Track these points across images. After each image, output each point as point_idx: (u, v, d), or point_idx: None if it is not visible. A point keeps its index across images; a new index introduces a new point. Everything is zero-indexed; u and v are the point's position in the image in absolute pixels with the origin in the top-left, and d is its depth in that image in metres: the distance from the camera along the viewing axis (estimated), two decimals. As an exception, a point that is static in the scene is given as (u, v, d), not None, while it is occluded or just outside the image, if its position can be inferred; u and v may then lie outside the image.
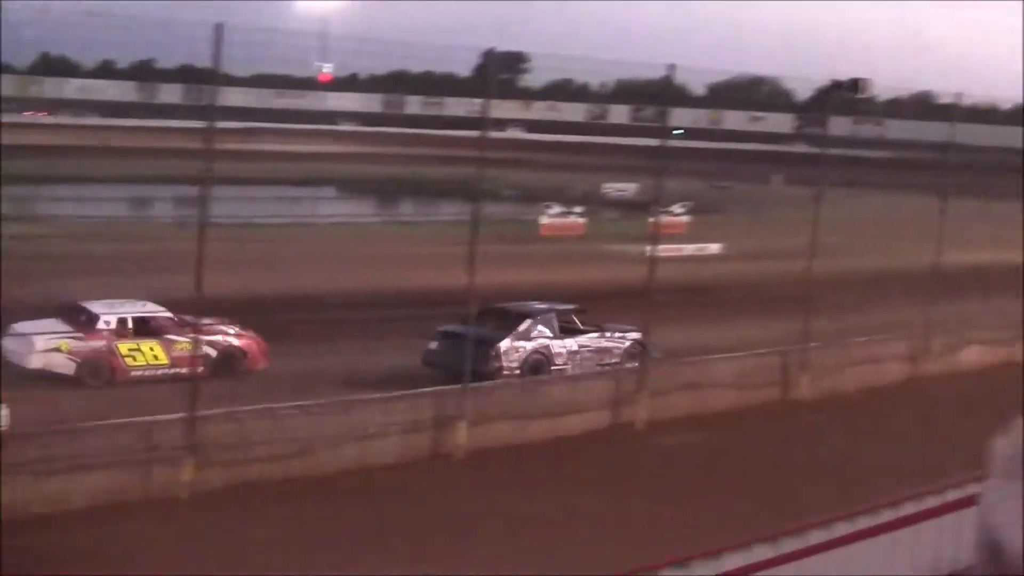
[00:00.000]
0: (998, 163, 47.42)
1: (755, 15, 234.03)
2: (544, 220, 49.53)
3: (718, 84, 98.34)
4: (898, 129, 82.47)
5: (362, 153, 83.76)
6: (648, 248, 24.82)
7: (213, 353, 22.01)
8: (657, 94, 28.58)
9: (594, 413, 22.48)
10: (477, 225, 20.57)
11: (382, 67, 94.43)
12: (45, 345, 21.70)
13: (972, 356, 30.29)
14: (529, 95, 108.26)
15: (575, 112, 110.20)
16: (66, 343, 21.87)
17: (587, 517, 16.92)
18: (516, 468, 19.50)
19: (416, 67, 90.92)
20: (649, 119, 61.37)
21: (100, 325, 22.35)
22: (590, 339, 25.17)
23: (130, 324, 22.61)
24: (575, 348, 24.79)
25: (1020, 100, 60.29)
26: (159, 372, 22.42)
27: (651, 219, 26.59)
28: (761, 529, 9.85)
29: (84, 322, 22.41)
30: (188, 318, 20.48)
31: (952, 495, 10.63)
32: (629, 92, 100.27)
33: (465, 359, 20.60)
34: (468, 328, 21.64)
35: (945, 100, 33.75)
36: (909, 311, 30.13)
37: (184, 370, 19.99)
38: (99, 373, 22.08)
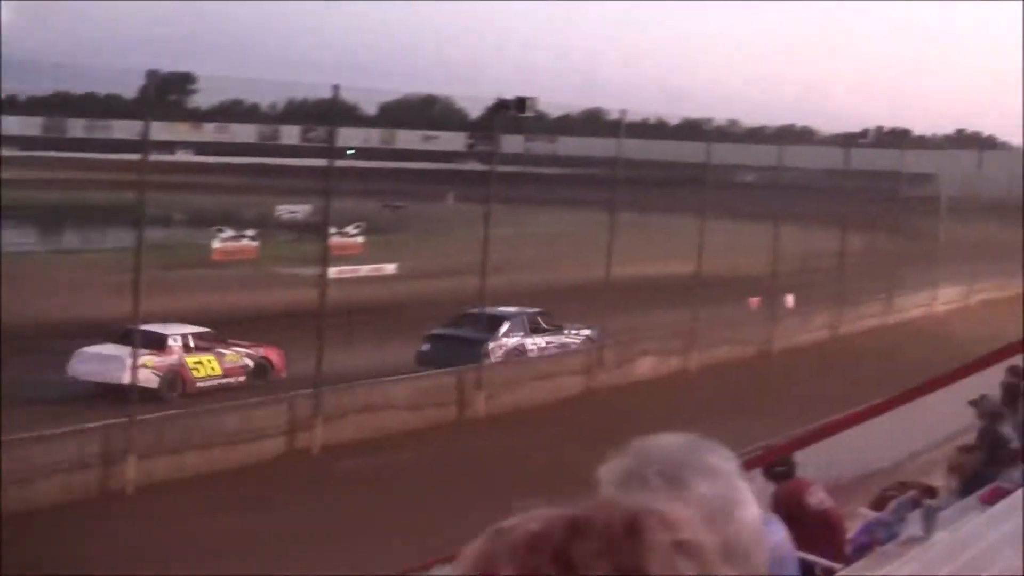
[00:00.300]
0: (665, 177, 49.07)
1: (444, 34, 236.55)
2: (216, 244, 48.40)
3: (389, 103, 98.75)
4: (571, 146, 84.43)
5: (22, 179, 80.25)
6: (322, 270, 24.62)
7: (251, 364, 26.04)
8: (326, 114, 28.48)
9: (271, 440, 22.13)
10: (140, 251, 19.96)
11: (43, 89, 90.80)
12: (137, 362, 22.93)
13: (646, 366, 31.20)
14: (197, 116, 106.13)
15: (246, 133, 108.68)
16: (150, 360, 23.94)
17: (263, 543, 16.60)
18: (190, 498, 18.96)
19: (79, 88, 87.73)
20: (320, 139, 60.97)
21: (170, 343, 24.99)
22: (553, 336, 30.27)
23: (191, 342, 25.30)
24: (543, 344, 29.83)
25: (687, 115, 62.92)
26: (216, 382, 25.38)
27: (325, 240, 26.33)
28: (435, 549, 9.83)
29: (155, 341, 24.45)
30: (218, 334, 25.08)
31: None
32: (298, 113, 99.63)
33: (456, 356, 25.91)
34: (458, 330, 27.93)
35: (613, 116, 34.55)
36: (584, 324, 30.83)
37: (233, 379, 25.17)
38: (175, 386, 24.66)
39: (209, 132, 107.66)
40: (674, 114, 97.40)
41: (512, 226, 37.98)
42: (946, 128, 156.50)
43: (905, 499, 12.17)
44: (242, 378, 25.26)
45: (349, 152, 48.82)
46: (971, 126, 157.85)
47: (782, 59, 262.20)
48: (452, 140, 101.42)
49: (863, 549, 10.94)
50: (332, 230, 27.46)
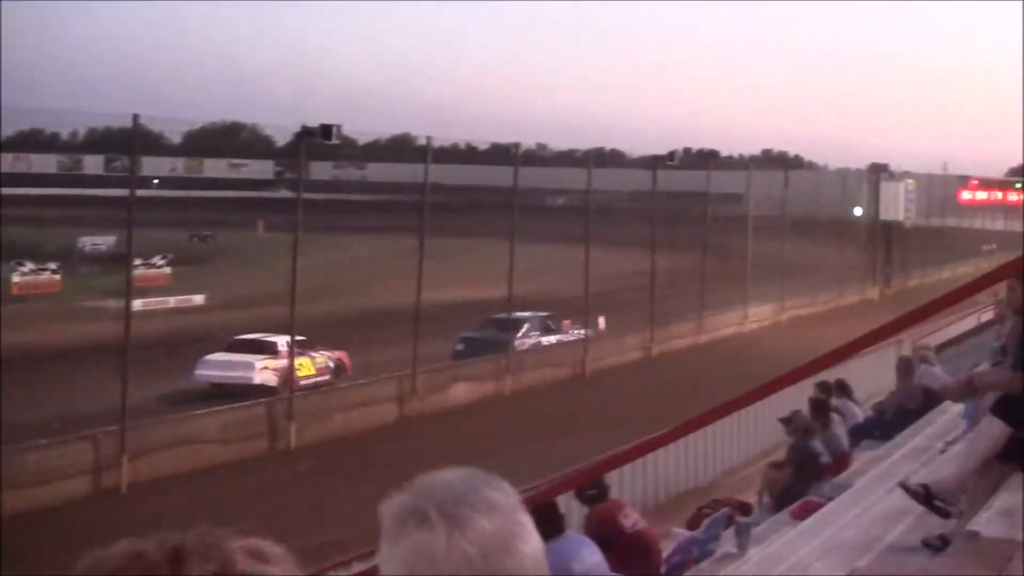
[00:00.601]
0: (475, 201, 49.24)
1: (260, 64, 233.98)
2: (15, 278, 47.04)
3: (194, 131, 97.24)
4: (380, 172, 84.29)
5: None
6: (126, 302, 24.05)
7: (332, 365, 31.14)
8: (128, 143, 27.82)
9: (74, 480, 21.47)
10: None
11: None
12: (261, 365, 29.39)
13: (460, 393, 31.19)
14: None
15: (46, 163, 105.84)
16: (271, 363, 29.52)
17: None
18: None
19: None
20: (122, 169, 59.69)
21: (280, 348, 29.75)
22: (559, 335, 37.07)
23: (295, 347, 29.21)
24: (554, 341, 36.65)
25: (495, 141, 63.21)
26: (311, 380, 30.03)
27: (129, 272, 25.69)
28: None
29: (269, 348, 30.04)
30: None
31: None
32: (100, 142, 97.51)
33: (489, 350, 33.29)
34: (486, 332, 34.61)
35: (422, 142, 34.56)
36: (396, 351, 30.73)
37: (322, 378, 30.45)
38: (287, 384, 28.17)
39: (7, 163, 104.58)
40: (483, 139, 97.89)
41: (322, 254, 37.68)
42: (753, 149, 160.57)
43: (719, 516, 12.31)
44: (327, 376, 30.67)
45: (154, 181, 47.95)
46: (777, 146, 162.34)
47: (592, 84, 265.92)
48: (260, 168, 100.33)
49: (678, 568, 11.00)
50: (138, 261, 26.89)
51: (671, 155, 43.45)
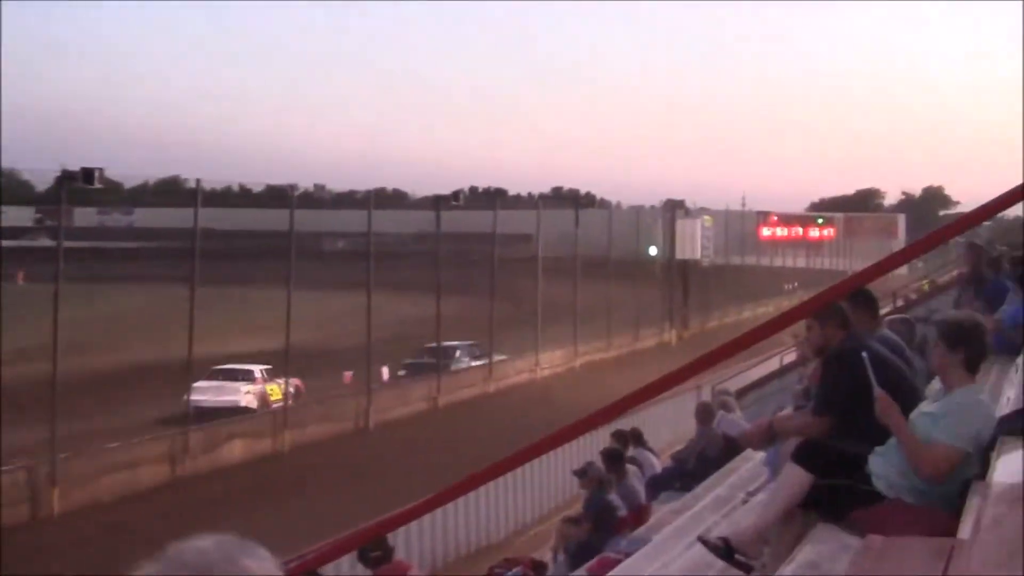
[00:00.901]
0: (249, 247, 48.55)
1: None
2: None
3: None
4: (149, 217, 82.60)
5: None
6: None
7: (292, 390, 35.86)
8: None
9: None
10: None
11: None
12: (245, 389, 35.40)
13: (236, 450, 30.72)
14: None
15: None
16: (251, 387, 35.61)
17: None
18: None
19: None
20: None
21: (256, 375, 36.12)
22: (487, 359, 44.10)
23: (264, 375, 36.14)
24: (481, 363, 43.64)
25: (271, 183, 62.55)
26: (279, 403, 34.97)
27: None
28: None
29: (246, 375, 36.02)
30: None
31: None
32: None
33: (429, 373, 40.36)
34: (425, 359, 41.26)
35: (191, 185, 33.95)
36: (167, 406, 30.12)
37: (286, 402, 34.91)
38: (264, 405, 35.37)
39: None
40: (258, 181, 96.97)
41: (85, 305, 36.58)
42: (543, 187, 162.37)
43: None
44: (290, 401, 35.28)
45: None
46: (568, 183, 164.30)
47: (373, 123, 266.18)
48: (18, 215, 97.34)
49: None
50: None
51: (456, 195, 43.73)
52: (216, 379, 34.96)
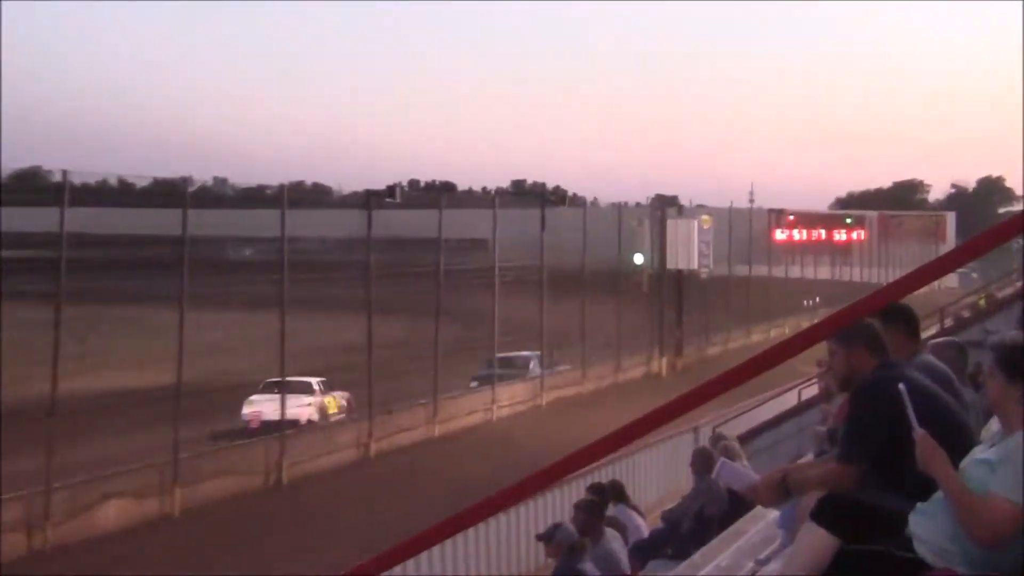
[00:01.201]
0: (131, 257, 48.26)
1: None
2: None
3: None
4: (5, 218, 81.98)
5: None
6: None
7: (345, 403, 42.98)
8: None
9: None
10: None
11: None
12: (306, 402, 40.51)
13: (111, 514, 30.32)
14: None
15: None
16: (312, 399, 40.97)
17: None
18: None
19: None
20: None
21: (315, 387, 41.58)
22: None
23: (321, 387, 41.92)
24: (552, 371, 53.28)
25: (159, 176, 61.86)
26: (337, 415, 42.27)
27: None
28: None
29: (305, 388, 41.04)
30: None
31: None
32: None
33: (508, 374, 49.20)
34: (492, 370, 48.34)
35: (56, 179, 33.39)
36: (26, 462, 29.67)
37: (343, 414, 42.47)
38: (324, 417, 41.43)
39: None
40: (143, 174, 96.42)
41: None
42: (501, 180, 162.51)
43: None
44: (344, 413, 42.52)
45: None
46: (532, 176, 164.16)
47: (286, 109, 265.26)
48: None
49: None
50: None
51: (391, 190, 43.45)
52: (271, 392, 39.37)
